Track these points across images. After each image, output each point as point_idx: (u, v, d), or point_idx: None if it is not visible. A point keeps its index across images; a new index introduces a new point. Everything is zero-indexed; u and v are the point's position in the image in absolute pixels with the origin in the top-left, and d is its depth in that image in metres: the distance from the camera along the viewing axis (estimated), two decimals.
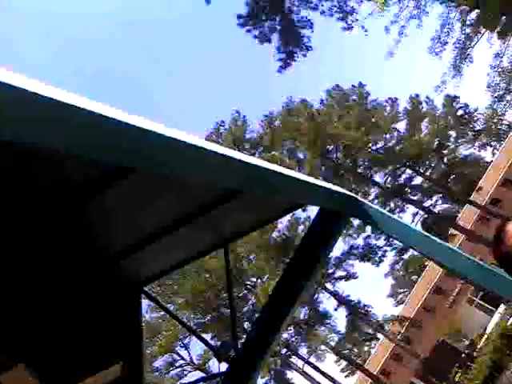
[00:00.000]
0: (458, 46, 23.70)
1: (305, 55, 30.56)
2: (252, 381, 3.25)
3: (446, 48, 24.24)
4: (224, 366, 3.64)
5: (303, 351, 35.51)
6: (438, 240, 2.63)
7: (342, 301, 37.22)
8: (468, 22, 23.16)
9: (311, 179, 2.82)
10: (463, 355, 28.88)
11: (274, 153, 31.34)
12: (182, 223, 3.25)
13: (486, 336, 23.94)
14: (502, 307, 29.45)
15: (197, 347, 34.84)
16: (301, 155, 34.68)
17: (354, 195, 2.91)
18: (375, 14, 20.12)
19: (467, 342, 35.46)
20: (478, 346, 22.73)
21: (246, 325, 29.92)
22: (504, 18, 22.03)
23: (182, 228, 3.29)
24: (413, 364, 38.88)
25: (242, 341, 3.56)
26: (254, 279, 35.02)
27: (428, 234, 2.74)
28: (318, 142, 32.31)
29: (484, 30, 23.42)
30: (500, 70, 24.68)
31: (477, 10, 21.61)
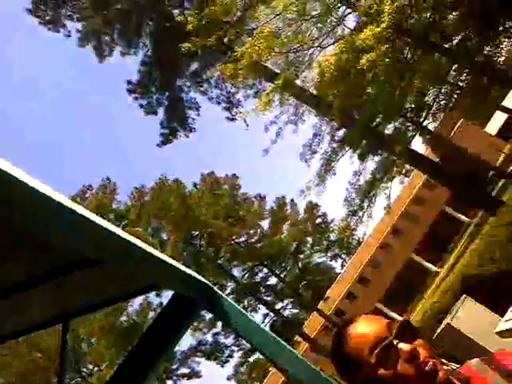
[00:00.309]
0: (324, 157, 25.06)
1: (187, 135, 30.31)
2: None
3: (315, 157, 25.54)
4: None
5: None
6: (288, 346, 2.54)
7: None
8: (336, 138, 24.75)
9: (170, 259, 2.40)
10: None
11: (138, 229, 29.33)
12: (22, 287, 2.66)
13: None
14: None
15: None
16: (165, 236, 33.15)
17: (211, 285, 2.72)
18: (258, 112, 20.47)
19: None
20: None
21: None
22: (364, 142, 24.05)
23: (19, 293, 2.68)
24: None
25: None
26: (91, 366, 30.82)
27: (279, 339, 2.57)
28: (185, 225, 31.15)
29: (348, 148, 25.14)
30: (357, 187, 26.43)
31: (344, 129, 23.23)
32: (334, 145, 24.45)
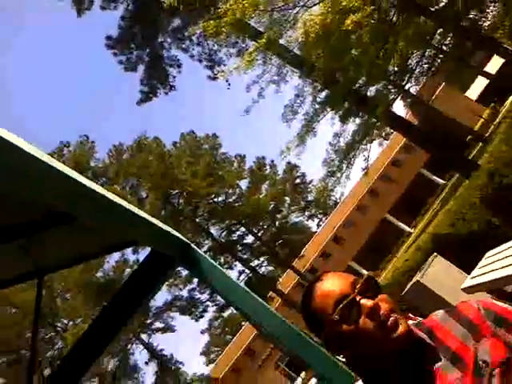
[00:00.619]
0: (305, 118, 24.95)
1: (167, 93, 29.71)
2: None
3: (296, 117, 25.44)
4: None
5: None
6: (262, 301, 2.71)
7: (155, 354, 34.89)
8: (318, 99, 24.60)
9: (147, 215, 2.54)
10: None
11: (116, 186, 29.02)
12: None
13: None
14: (302, 375, 30.40)
15: None
16: (143, 194, 32.92)
17: (189, 242, 2.82)
18: (240, 71, 20.11)
19: None
20: None
21: (48, 371, 25.71)
22: (346, 104, 24.01)
23: None
24: None
25: None
26: (66, 321, 31.07)
27: (254, 295, 2.75)
28: (163, 184, 30.96)
29: (329, 109, 25.06)
30: (336, 148, 26.50)
31: (327, 91, 23.08)
32: (316, 106, 24.38)
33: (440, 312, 1.26)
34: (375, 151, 43.58)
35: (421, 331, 1.21)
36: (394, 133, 37.26)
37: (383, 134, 35.29)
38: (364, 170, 26.19)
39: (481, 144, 23.82)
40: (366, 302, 1.16)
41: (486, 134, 24.42)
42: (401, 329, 1.13)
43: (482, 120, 27.45)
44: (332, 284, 1.22)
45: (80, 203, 2.01)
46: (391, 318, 1.14)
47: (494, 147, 8.08)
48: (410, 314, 1.27)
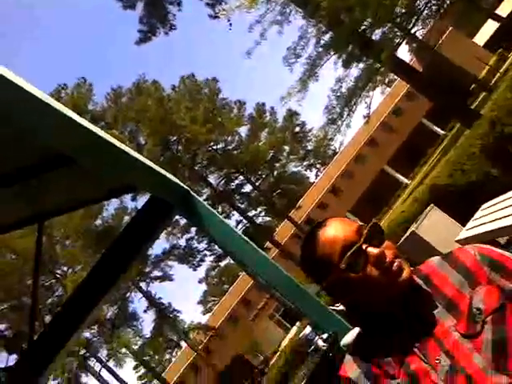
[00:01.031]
0: (308, 62, 24.30)
1: (167, 33, 28.76)
2: (42, 379, 2.88)
3: (299, 61, 24.76)
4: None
5: (103, 353, 32.97)
6: (259, 249, 2.72)
7: (153, 302, 35.66)
8: (322, 42, 23.87)
9: (146, 160, 2.53)
10: (256, 370, 29.85)
11: (114, 131, 28.67)
12: None
13: (278, 353, 25.15)
14: (297, 324, 31.04)
15: None
16: (142, 140, 32.61)
17: (188, 188, 2.82)
18: (242, 9, 19.38)
19: (262, 358, 36.97)
20: (271, 362, 23.52)
21: (48, 318, 26.41)
22: (350, 47, 23.31)
23: None
24: (209, 376, 39.04)
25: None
26: (66, 268, 31.54)
27: (251, 243, 2.75)
28: (162, 129, 30.59)
29: (333, 53, 24.38)
30: (338, 94, 25.97)
31: (331, 33, 22.36)
32: (319, 49, 23.67)
33: (437, 258, 1.24)
34: (377, 99, 42.87)
35: (417, 277, 1.21)
36: (397, 80, 36.47)
37: (386, 80, 34.57)
38: (365, 117, 25.77)
39: (484, 93, 23.30)
40: (373, 250, 1.16)
41: (491, 83, 23.83)
42: (405, 273, 1.15)
43: (488, 67, 26.71)
44: (337, 230, 1.20)
45: (80, 145, 2.00)
46: (395, 264, 1.15)
47: (498, 95, 7.80)
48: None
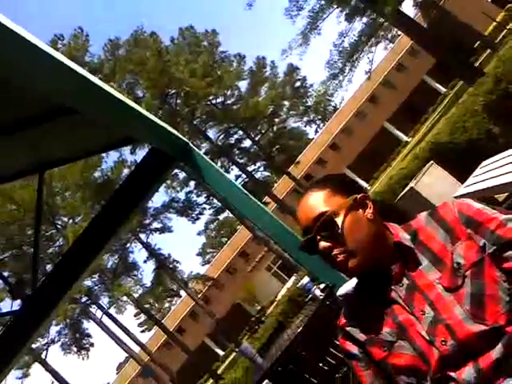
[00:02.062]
0: (311, 14, 23.74)
1: None
2: (44, 324, 3.04)
3: (301, 13, 24.16)
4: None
5: (104, 301, 33.77)
6: (257, 201, 2.78)
7: (153, 253, 36.22)
8: None
9: (147, 113, 2.59)
10: (253, 319, 30.69)
11: (112, 84, 28.20)
12: None
13: (275, 302, 25.74)
14: (295, 276, 31.70)
15: None
16: (140, 93, 32.13)
17: (188, 141, 2.83)
18: None
19: (259, 307, 37.92)
20: (268, 312, 24.15)
21: (49, 267, 26.93)
22: (354, 0, 22.69)
23: None
24: (208, 324, 40.13)
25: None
26: (66, 219, 31.82)
27: (250, 195, 2.80)
28: (161, 82, 30.11)
29: (336, 6, 23.78)
30: (340, 49, 25.48)
31: None
32: (322, 1, 23.06)
33: (424, 214, 1.30)
34: (379, 55, 42.13)
35: (407, 233, 1.27)
36: (401, 36, 35.75)
37: (389, 36, 33.82)
38: (367, 73, 25.39)
39: (489, 51, 22.92)
40: (321, 243, 1.24)
41: (496, 40, 23.39)
42: (350, 265, 1.22)
43: (496, 24, 26.12)
44: (302, 212, 1.29)
45: (80, 95, 2.01)
46: (338, 259, 1.23)
47: (505, 51, 7.70)
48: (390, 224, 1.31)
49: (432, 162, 6.93)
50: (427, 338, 1.17)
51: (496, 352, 1.12)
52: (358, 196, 1.27)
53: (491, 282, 1.16)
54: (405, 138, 40.50)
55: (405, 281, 1.22)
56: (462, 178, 6.05)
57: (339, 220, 1.23)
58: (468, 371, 1.13)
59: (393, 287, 1.23)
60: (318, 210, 1.24)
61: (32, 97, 2.38)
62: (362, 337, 1.29)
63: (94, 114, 2.35)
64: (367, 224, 1.25)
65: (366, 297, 1.28)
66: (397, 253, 1.24)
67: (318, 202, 1.26)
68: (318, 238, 1.24)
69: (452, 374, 1.14)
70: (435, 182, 6.44)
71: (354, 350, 1.31)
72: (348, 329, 1.32)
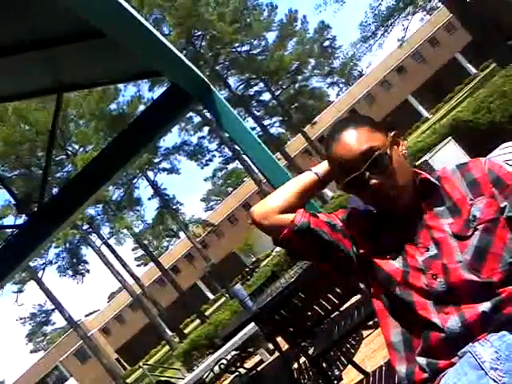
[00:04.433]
0: None
1: None
2: (47, 240, 3.15)
3: None
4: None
5: (105, 231, 34.39)
6: (268, 151, 2.77)
7: (158, 192, 36.53)
8: None
9: (173, 48, 2.51)
10: (247, 269, 31.31)
11: None
12: (17, 50, 2.54)
13: (271, 256, 26.14)
14: None
15: None
16: (166, 30, 31.43)
17: (208, 82, 2.77)
18: None
19: (254, 259, 38.55)
20: (263, 263, 24.58)
21: (55, 191, 27.26)
22: None
23: (15, 56, 2.58)
24: (202, 267, 40.98)
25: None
26: (77, 147, 31.95)
27: (262, 143, 2.78)
28: (188, 22, 29.44)
29: None
30: (376, 12, 24.70)
31: None
32: None
33: (452, 166, 1.31)
34: (414, 26, 40.84)
35: (432, 177, 1.27)
36: (440, 8, 34.52)
37: (428, 7, 32.69)
38: (399, 41, 24.70)
39: None
40: (372, 180, 1.21)
41: None
42: (400, 201, 1.22)
43: None
44: (344, 147, 1.23)
45: (109, 17, 1.98)
46: (391, 195, 1.21)
47: None
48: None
49: (450, 138, 6.86)
50: (421, 266, 1.20)
51: (483, 306, 1.14)
52: (393, 132, 1.28)
53: (499, 241, 1.18)
54: (426, 114, 39.86)
55: (418, 219, 1.24)
56: (478, 158, 5.98)
57: (390, 156, 1.22)
58: (453, 320, 1.15)
59: (403, 221, 1.25)
60: (364, 145, 1.21)
61: (56, 14, 2.32)
62: (355, 232, 1.30)
63: (120, 40, 2.30)
64: (405, 160, 1.26)
65: (382, 223, 1.28)
66: (421, 192, 1.25)
67: (363, 137, 1.22)
68: (368, 174, 1.21)
69: (436, 320, 1.16)
70: (450, 159, 6.38)
71: (338, 224, 1.31)
72: (348, 218, 1.32)
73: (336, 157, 1.24)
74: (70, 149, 31.56)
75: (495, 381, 1.08)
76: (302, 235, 1.28)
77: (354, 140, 1.22)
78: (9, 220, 28.63)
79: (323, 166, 1.36)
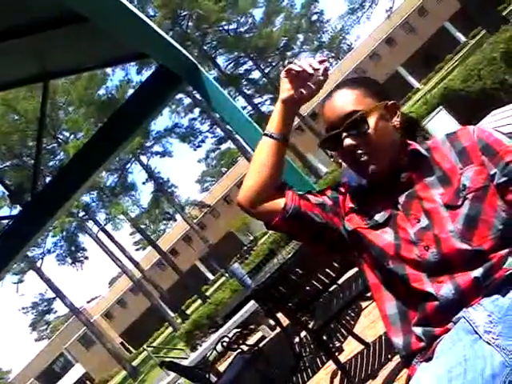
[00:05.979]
0: None
1: None
2: (43, 229, 3.14)
3: None
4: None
5: (101, 217, 34.36)
6: (261, 130, 2.65)
7: (152, 176, 36.44)
8: None
9: (159, 29, 2.50)
10: (245, 248, 31.53)
11: None
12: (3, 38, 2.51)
13: (268, 234, 26.32)
14: None
15: None
16: (151, 11, 30.91)
17: (196, 63, 2.79)
18: None
19: (251, 237, 38.70)
20: (260, 242, 24.71)
21: (48, 179, 27.14)
22: None
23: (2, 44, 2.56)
24: (200, 248, 41.14)
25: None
26: (68, 134, 31.69)
27: (254, 124, 2.75)
28: (173, 2, 28.99)
29: None
30: None
31: None
32: None
33: (442, 135, 1.31)
34: None
35: (421, 147, 1.28)
36: None
37: None
38: (387, 11, 24.45)
39: None
40: (346, 140, 1.24)
41: None
42: (371, 168, 1.23)
43: None
44: (331, 107, 1.28)
45: (95, 3, 2.00)
46: (362, 159, 1.23)
47: None
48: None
49: (441, 107, 6.85)
50: (413, 238, 1.21)
51: (475, 272, 1.15)
52: (390, 102, 1.28)
53: (490, 208, 1.19)
54: (417, 85, 39.69)
55: (409, 190, 1.24)
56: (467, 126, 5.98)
57: (370, 121, 1.23)
58: (446, 287, 1.16)
59: (394, 192, 1.25)
60: (349, 107, 1.24)
61: (44, 1, 2.30)
62: (346, 208, 1.31)
63: (106, 24, 2.27)
64: (393, 131, 1.27)
65: (372, 196, 1.29)
66: (411, 163, 1.25)
67: (350, 99, 1.26)
68: (345, 134, 1.24)
69: (430, 289, 1.17)
70: (441, 128, 6.39)
71: (328, 202, 1.31)
72: (339, 194, 1.33)
73: (324, 115, 1.29)
74: (61, 137, 31.32)
75: (489, 343, 1.10)
76: (292, 220, 1.29)
77: (341, 101, 1.26)
78: (4, 211, 28.56)
79: (273, 121, 1.36)
